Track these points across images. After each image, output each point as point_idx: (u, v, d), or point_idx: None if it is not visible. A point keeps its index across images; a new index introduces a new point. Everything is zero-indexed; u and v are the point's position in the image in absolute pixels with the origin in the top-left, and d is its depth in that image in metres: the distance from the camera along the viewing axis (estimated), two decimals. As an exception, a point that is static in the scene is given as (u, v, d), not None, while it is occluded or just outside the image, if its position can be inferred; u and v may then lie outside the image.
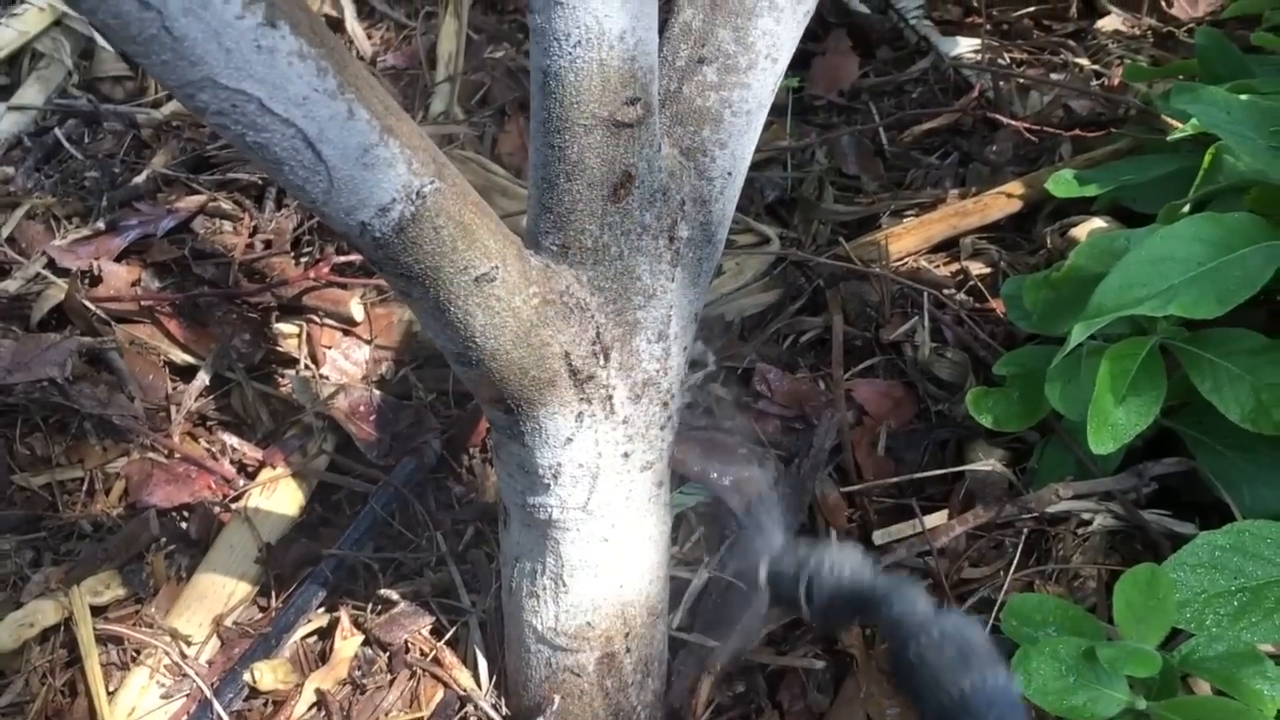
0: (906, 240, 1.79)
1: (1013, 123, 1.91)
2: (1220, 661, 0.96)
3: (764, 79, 1.02)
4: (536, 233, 0.97)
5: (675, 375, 1.06)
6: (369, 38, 2.39)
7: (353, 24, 2.39)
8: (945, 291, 1.66)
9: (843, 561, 0.78)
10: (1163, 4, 2.31)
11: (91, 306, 1.59)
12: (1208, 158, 1.38)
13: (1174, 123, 1.58)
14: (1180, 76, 1.77)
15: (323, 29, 0.74)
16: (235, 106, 0.72)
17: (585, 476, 1.05)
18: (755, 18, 0.99)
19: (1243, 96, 1.34)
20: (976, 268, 1.74)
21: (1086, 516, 1.30)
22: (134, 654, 1.30)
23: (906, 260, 1.78)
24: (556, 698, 1.18)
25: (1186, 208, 1.36)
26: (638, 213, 0.96)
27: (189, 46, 0.68)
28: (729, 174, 1.02)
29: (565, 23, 0.85)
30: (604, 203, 0.93)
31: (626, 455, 1.06)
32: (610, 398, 1.02)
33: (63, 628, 1.32)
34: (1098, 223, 1.59)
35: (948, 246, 1.82)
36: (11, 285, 1.66)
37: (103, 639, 1.31)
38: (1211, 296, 1.15)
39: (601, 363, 0.99)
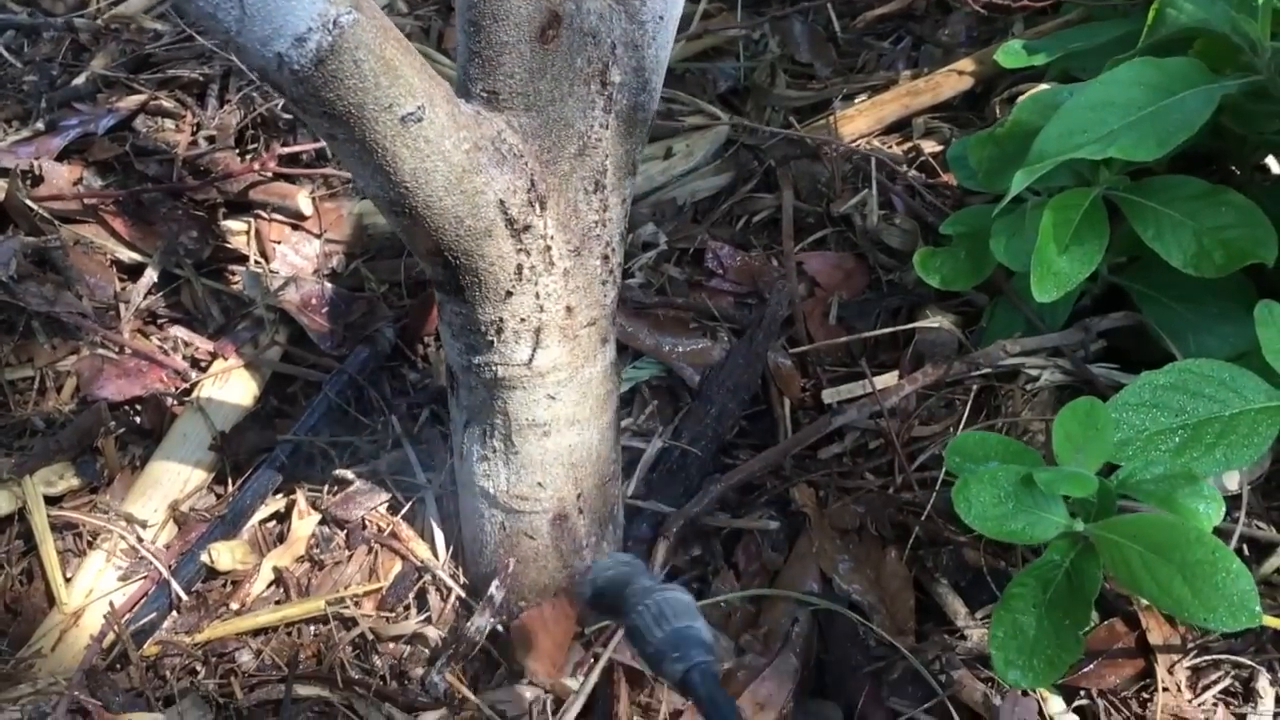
0: (859, 122, 1.78)
1: (965, 1, 1.89)
2: (1157, 483, 0.97)
3: (693, -82, 1.00)
4: (466, 79, 0.95)
5: (615, 228, 1.06)
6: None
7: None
8: (897, 167, 1.65)
9: (609, 565, 1.04)
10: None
11: (34, 206, 1.56)
12: (1152, 13, 1.37)
13: (1120, -15, 1.58)
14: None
15: None
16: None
17: (528, 332, 1.05)
18: None
19: (1186, -51, 1.33)
20: (929, 145, 1.74)
21: (1034, 372, 1.31)
22: (90, 539, 1.30)
23: (859, 141, 1.77)
24: (511, 561, 1.19)
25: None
26: (567, 56, 0.94)
27: None
28: (660, 18, 1.01)
29: None
30: (532, 45, 0.92)
31: (569, 310, 1.05)
32: (549, 249, 1.01)
33: (17, 518, 1.32)
34: (1045, 88, 1.58)
35: (900, 127, 1.81)
36: (-50, 188, 1.63)
37: (58, 526, 1.31)
38: (1151, 139, 1.14)
39: (538, 211, 0.98)
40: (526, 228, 0.99)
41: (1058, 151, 1.16)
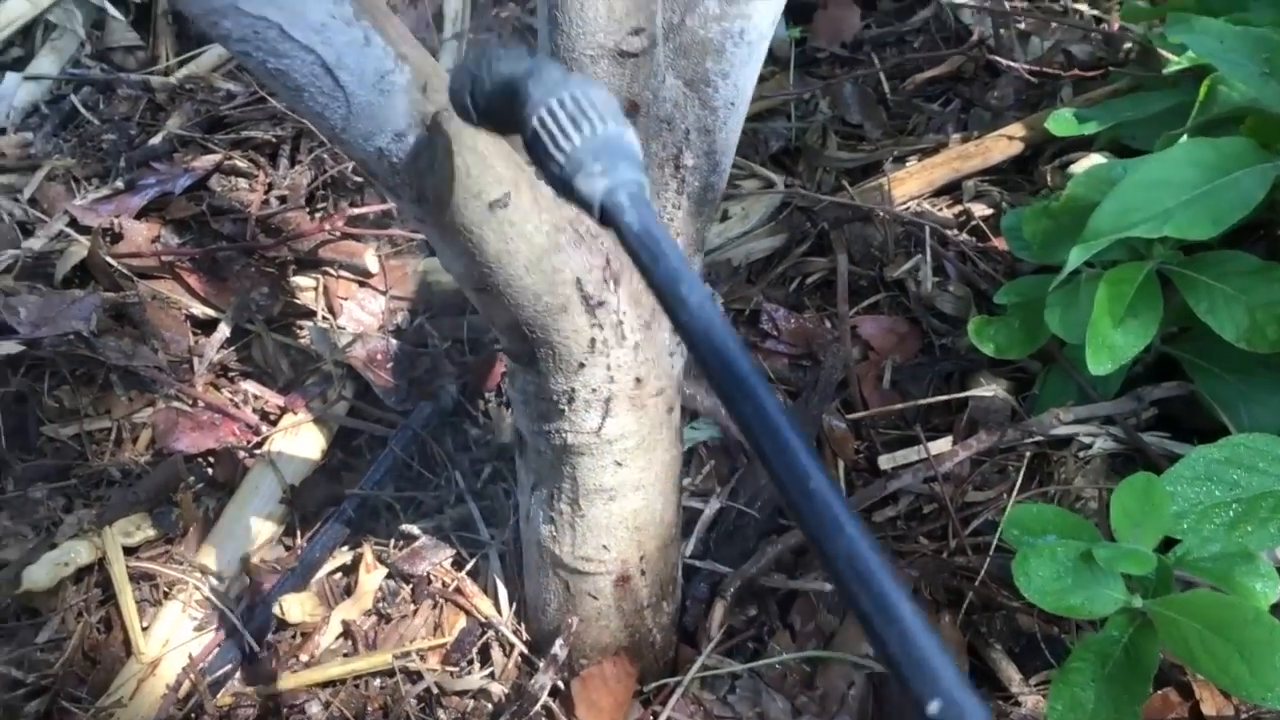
0: (909, 184, 1.82)
1: (1014, 65, 1.93)
2: (1214, 561, 0.99)
3: (765, 9, 1.04)
4: (547, 163, 1.00)
5: (683, 302, 1.10)
6: (375, 1, 2.41)
7: (359, -12, 2.41)
8: (949, 231, 1.68)
9: (503, 60, 0.71)
10: (1162, -52, 2.32)
11: (113, 263, 1.63)
12: (1204, 88, 1.41)
13: (1171, 56, 1.60)
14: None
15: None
16: (257, 33, 0.75)
17: (598, 401, 1.08)
18: (755, -52, 1.02)
19: (1237, 27, 1.37)
20: (979, 209, 1.77)
21: (1087, 440, 1.33)
22: (166, 590, 1.35)
23: (909, 204, 1.81)
24: (574, 620, 1.22)
25: (1184, 138, 1.38)
26: (643, 141, 0.99)
27: (212, -27, 0.71)
28: (732, 104, 1.05)
29: (571, -46, 0.88)
30: (611, 131, 0.96)
31: (639, 380, 1.09)
32: (621, 323, 1.05)
33: (96, 567, 1.37)
34: (1097, 158, 1.62)
35: (950, 190, 1.84)
36: (35, 244, 1.70)
37: (135, 576, 1.36)
38: (1206, 218, 1.17)
39: (612, 289, 1.02)
40: (601, 303, 1.03)
41: (1114, 229, 1.19)
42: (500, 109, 0.69)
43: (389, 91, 0.82)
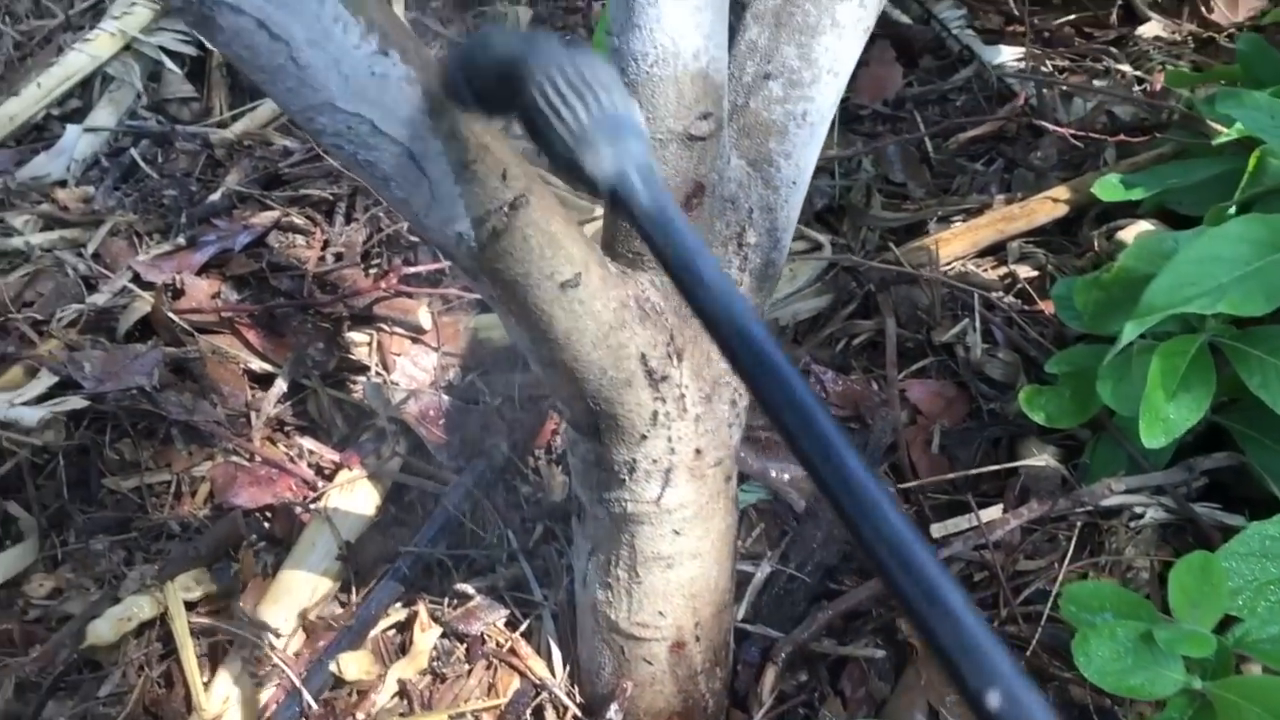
0: (955, 245, 1.83)
1: (1057, 129, 1.95)
2: (1273, 643, 1.00)
3: (827, 92, 1.07)
4: (614, 241, 1.02)
5: (743, 375, 1.12)
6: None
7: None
8: (995, 294, 1.70)
9: (495, 41, 0.67)
10: (1203, 9, 2.34)
11: (175, 318, 1.67)
12: (1252, 161, 1.42)
13: (1218, 127, 1.62)
14: (1222, 81, 1.80)
15: (425, 54, 0.81)
16: (350, 128, 0.78)
17: (659, 472, 1.10)
18: (818, 35, 1.05)
19: (1286, 101, 1.38)
20: (1024, 271, 1.78)
21: (1138, 510, 1.34)
22: (226, 646, 1.37)
23: (955, 264, 1.82)
24: (629, 684, 1.23)
25: (1233, 209, 1.40)
26: (709, 221, 1.01)
27: (312, 74, 0.74)
28: (794, 183, 1.08)
29: (642, 44, 0.91)
30: (677, 212, 0.99)
31: (698, 451, 1.11)
32: (683, 397, 1.07)
33: (158, 622, 1.40)
34: (1144, 225, 1.63)
35: (995, 251, 1.86)
36: (100, 299, 1.74)
37: (196, 631, 1.38)
38: (1259, 294, 1.19)
39: (675, 363, 1.05)
40: (664, 378, 1.05)
41: (1167, 304, 1.20)
42: (498, 90, 0.65)
43: (470, 180, 0.85)
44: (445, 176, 0.84)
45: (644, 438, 1.08)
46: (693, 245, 0.54)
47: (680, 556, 1.16)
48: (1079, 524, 1.35)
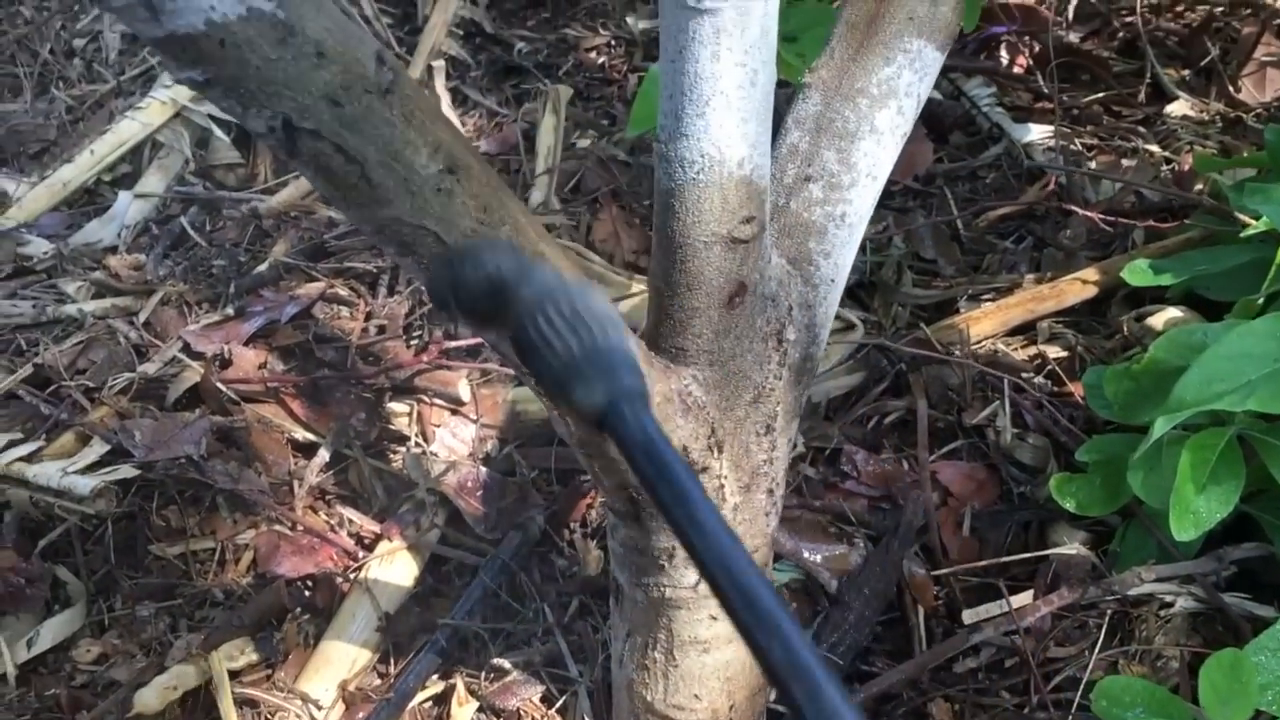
0: (984, 324, 1.86)
1: (1086, 213, 1.98)
2: (1304, 744, 1.01)
3: (865, 195, 1.11)
4: (657, 336, 1.06)
5: (780, 465, 1.15)
6: (462, 125, 2.53)
7: (447, 111, 2.53)
8: (1024, 376, 1.72)
9: (485, 257, 0.68)
10: (1230, 89, 2.38)
11: (223, 388, 1.72)
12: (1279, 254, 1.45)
13: (1246, 219, 1.65)
14: (1249, 181, 1.83)
15: (488, 170, 0.85)
16: (416, 240, 0.82)
17: (697, 559, 1.13)
18: (858, 140, 1.09)
19: (1313, 195, 1.41)
20: (1054, 351, 1.81)
21: (1168, 598, 1.36)
22: (268, 717, 1.40)
23: (985, 343, 1.85)
24: (664, 765, 1.25)
25: (1261, 300, 1.42)
26: (750, 319, 1.05)
27: (382, 192, 0.79)
28: (832, 281, 1.11)
29: (690, 151, 0.95)
30: (720, 310, 1.02)
31: (735, 539, 1.14)
32: (722, 487, 1.10)
33: (202, 691, 1.43)
34: (1174, 312, 1.65)
35: (1025, 330, 1.88)
36: (150, 368, 1.80)
37: (239, 701, 1.41)
38: (1288, 392, 1.21)
39: (715, 455, 1.08)
40: (704, 469, 1.08)
41: (1197, 400, 1.23)
42: (485, 306, 0.67)
43: (526, 286, 0.89)
44: (502, 283, 0.88)
45: (684, 526, 1.10)
46: (684, 483, 0.54)
47: (716, 641, 1.19)
48: (1109, 611, 1.37)
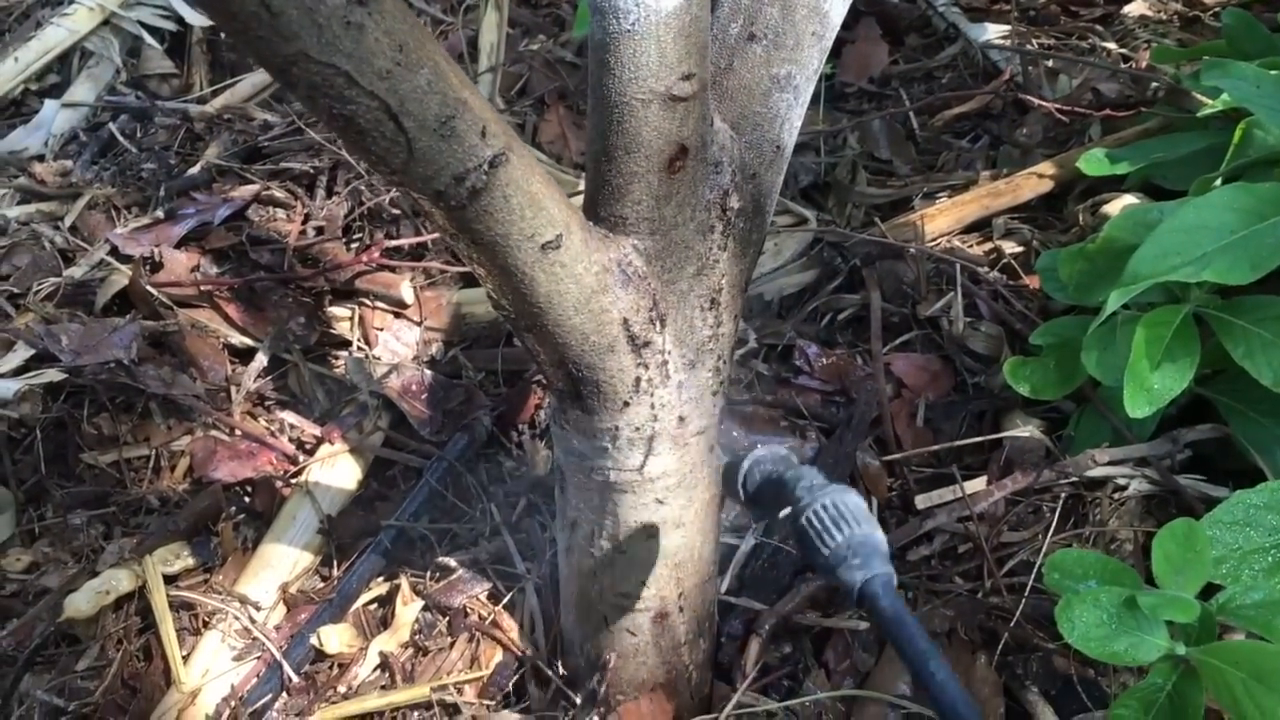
0: (940, 221, 1.83)
1: (1043, 104, 1.94)
2: (1257, 609, 0.99)
3: (810, 55, 1.06)
4: (595, 204, 1.01)
5: (726, 342, 1.11)
6: (408, 33, 2.44)
7: (392, 19, 2.44)
8: (980, 268, 1.69)
9: (767, 460, 0.95)
10: (1188, -12, 2.34)
11: (154, 291, 1.65)
12: (1238, 132, 1.42)
13: (1204, 100, 1.61)
14: (1208, 57, 1.80)
15: (403, 7, 0.79)
16: (325, 80, 0.77)
17: (641, 440, 1.09)
18: (802, -4, 1.04)
19: (1272, 72, 1.38)
20: (1009, 246, 1.78)
21: (1122, 481, 1.34)
22: (205, 620, 1.36)
23: (940, 240, 1.82)
24: (612, 655, 1.22)
25: (1218, 181, 1.39)
26: (691, 184, 1.00)
27: (285, 23, 0.73)
28: (778, 148, 1.07)
29: (625, 1, 0.89)
30: (660, 175, 0.97)
31: (681, 419, 1.10)
32: (666, 363, 1.06)
33: (136, 595, 1.38)
34: (1130, 199, 1.62)
35: (980, 227, 1.85)
36: (77, 272, 1.72)
37: (175, 605, 1.37)
38: (1245, 263, 1.18)
39: (658, 329, 1.04)
40: (647, 343, 1.04)
41: (1152, 273, 1.20)
42: (767, 498, 0.92)
43: (449, 136, 0.84)
44: (423, 132, 0.82)
45: (626, 404, 1.07)
46: (924, 647, 0.70)
47: (664, 526, 1.16)
48: (1063, 495, 1.35)
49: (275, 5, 0.72)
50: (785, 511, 0.86)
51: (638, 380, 1.05)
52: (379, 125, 0.81)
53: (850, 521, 0.78)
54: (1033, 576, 1.29)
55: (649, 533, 1.15)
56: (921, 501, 1.39)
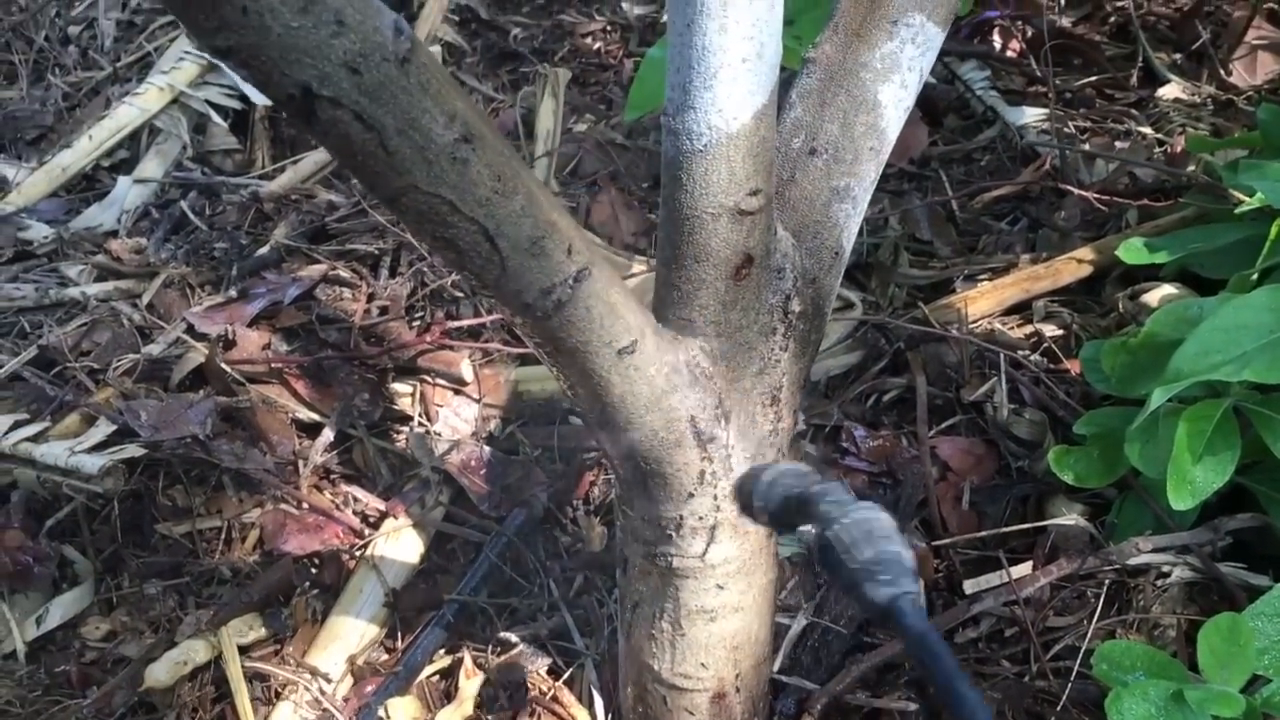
0: (981, 303, 1.88)
1: (1080, 192, 2.00)
2: (1299, 703, 1.03)
3: (868, 168, 1.13)
4: (664, 307, 1.07)
5: (786, 435, 1.17)
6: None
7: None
8: (1021, 353, 1.74)
9: (789, 475, 0.96)
10: (1221, 72, 2.40)
11: (227, 368, 1.73)
12: (1275, 229, 1.47)
13: (1240, 195, 1.67)
14: (1243, 154, 1.85)
15: (501, 140, 0.87)
16: (431, 209, 0.84)
17: (704, 529, 1.15)
18: (861, 114, 1.11)
19: (1306, 172, 1.43)
20: (1049, 329, 1.83)
21: (1165, 569, 1.38)
22: (278, 690, 1.42)
23: (981, 322, 1.87)
24: (671, 734, 1.27)
25: (1255, 276, 1.44)
26: (756, 291, 1.06)
27: (399, 160, 0.80)
28: (836, 254, 1.13)
29: (697, 123, 0.96)
30: (727, 282, 1.04)
31: (742, 509, 1.16)
32: (729, 457, 1.12)
33: (212, 665, 1.44)
34: (1168, 289, 1.68)
35: (1021, 309, 1.91)
36: (155, 349, 1.81)
37: (249, 676, 1.43)
38: (1282, 362, 1.23)
39: (722, 425, 1.10)
40: (712, 439, 1.10)
41: (1194, 371, 1.25)
42: (788, 514, 0.91)
43: (539, 255, 0.91)
44: (515, 251, 0.89)
45: (691, 495, 1.12)
46: (950, 666, 0.69)
47: (723, 610, 1.21)
48: (1107, 582, 1.39)
49: (391, 145, 0.79)
50: (808, 527, 0.84)
51: (702, 473, 1.11)
52: (476, 246, 0.88)
53: (879, 538, 0.77)
54: (1078, 661, 1.33)
55: (709, 617, 1.20)
56: (970, 587, 1.43)
